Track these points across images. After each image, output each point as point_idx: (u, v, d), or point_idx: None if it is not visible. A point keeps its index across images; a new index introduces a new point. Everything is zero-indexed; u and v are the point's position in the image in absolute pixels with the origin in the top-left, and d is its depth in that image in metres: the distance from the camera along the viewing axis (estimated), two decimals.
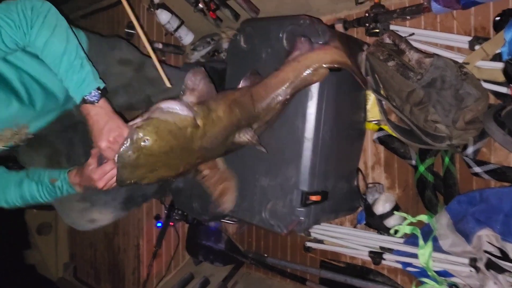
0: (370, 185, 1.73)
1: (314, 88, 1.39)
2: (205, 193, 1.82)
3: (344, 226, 1.84)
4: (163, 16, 2.16)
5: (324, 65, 1.31)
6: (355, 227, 1.79)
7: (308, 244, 1.89)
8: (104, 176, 1.11)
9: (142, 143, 1.03)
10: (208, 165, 1.37)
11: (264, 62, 1.53)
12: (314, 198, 1.47)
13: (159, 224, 2.35)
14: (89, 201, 1.54)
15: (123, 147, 1.02)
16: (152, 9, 2.13)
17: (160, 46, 2.21)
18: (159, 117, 1.06)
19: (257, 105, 1.29)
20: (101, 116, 1.07)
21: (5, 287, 3.44)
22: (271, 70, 1.50)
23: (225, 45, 2.13)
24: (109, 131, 1.05)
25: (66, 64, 1.06)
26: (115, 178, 1.09)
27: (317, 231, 1.85)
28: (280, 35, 1.46)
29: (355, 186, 1.67)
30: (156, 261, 2.33)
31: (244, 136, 1.27)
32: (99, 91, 1.08)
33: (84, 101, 1.07)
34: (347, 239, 1.71)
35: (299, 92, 1.38)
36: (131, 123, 1.07)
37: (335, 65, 1.33)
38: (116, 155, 1.03)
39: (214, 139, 1.17)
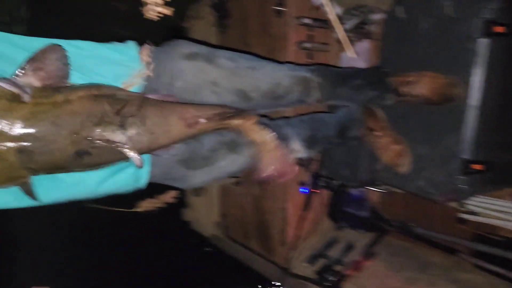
0: None
1: (480, 56, 1.35)
2: (356, 160, 1.92)
3: (503, 200, 1.76)
4: None
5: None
6: None
7: (462, 215, 1.86)
8: None
9: None
10: (380, 125, 1.34)
11: (424, 33, 1.51)
12: (476, 167, 1.44)
13: (303, 190, 2.51)
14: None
15: None
16: None
17: (308, 21, 2.29)
18: None
19: (145, 112, 0.99)
20: None
21: (167, 239, 4.14)
22: (432, 41, 1.49)
23: (375, 16, 2.12)
24: None
25: None
26: None
27: (472, 203, 1.81)
28: (444, 2, 1.43)
29: None
30: (301, 224, 2.51)
31: (112, 135, 0.93)
32: None
33: None
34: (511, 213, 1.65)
35: (453, 59, 1.33)
36: None
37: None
38: None
39: (51, 125, 0.87)
